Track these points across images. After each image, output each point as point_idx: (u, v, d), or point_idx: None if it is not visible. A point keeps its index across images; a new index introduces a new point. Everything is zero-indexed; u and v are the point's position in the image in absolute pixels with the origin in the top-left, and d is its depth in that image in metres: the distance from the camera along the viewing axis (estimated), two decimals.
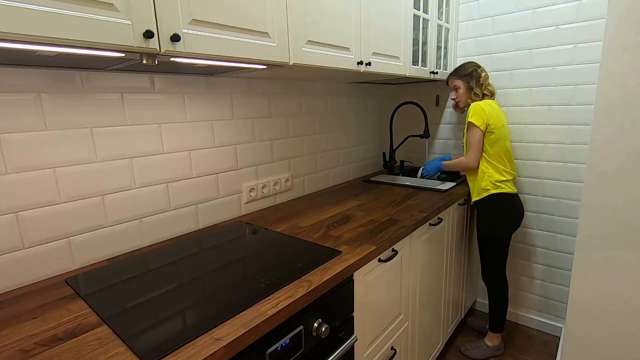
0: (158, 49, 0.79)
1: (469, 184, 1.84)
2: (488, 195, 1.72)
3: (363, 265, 1.08)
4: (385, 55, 1.56)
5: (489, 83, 1.85)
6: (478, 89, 1.82)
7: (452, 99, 1.93)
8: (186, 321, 0.75)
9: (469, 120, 1.70)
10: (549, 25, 1.83)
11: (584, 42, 1.75)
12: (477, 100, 1.79)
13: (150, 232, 1.20)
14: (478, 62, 1.88)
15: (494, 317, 1.90)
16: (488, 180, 1.72)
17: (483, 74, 1.83)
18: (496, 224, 1.77)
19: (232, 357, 0.70)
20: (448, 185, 1.87)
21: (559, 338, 1.98)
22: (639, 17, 1.32)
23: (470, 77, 1.83)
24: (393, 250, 1.25)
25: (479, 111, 1.69)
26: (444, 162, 1.91)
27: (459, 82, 1.85)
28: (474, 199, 1.80)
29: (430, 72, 1.93)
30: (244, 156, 1.48)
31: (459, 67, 1.89)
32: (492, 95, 1.84)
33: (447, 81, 1.95)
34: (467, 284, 2.16)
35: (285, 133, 1.66)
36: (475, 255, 2.21)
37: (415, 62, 1.80)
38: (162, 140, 1.20)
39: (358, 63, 1.39)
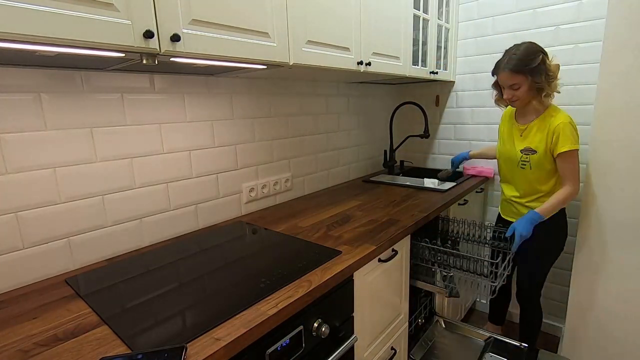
0: (158, 49, 0.79)
1: (525, 201, 1.56)
2: (561, 211, 1.54)
3: (363, 265, 1.08)
4: (385, 55, 1.56)
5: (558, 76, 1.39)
6: (549, 88, 1.37)
7: (507, 99, 1.44)
8: (186, 321, 0.75)
9: (568, 149, 1.36)
10: (549, 25, 1.83)
11: (584, 42, 1.75)
12: (547, 102, 1.42)
13: (150, 232, 1.20)
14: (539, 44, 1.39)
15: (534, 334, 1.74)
16: None
17: (552, 65, 1.37)
18: (565, 236, 1.61)
19: (232, 357, 0.70)
20: (448, 185, 1.86)
21: (559, 338, 1.98)
22: (639, 17, 1.32)
23: (538, 73, 1.33)
24: (393, 250, 1.25)
25: (572, 132, 1.37)
26: (531, 216, 1.42)
27: (520, 79, 1.35)
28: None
29: (430, 72, 1.93)
30: (244, 156, 1.48)
31: (517, 54, 1.35)
32: (558, 92, 1.43)
33: (495, 73, 1.43)
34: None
35: (285, 133, 1.66)
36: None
37: (415, 62, 1.80)
38: (162, 140, 1.20)
39: (358, 63, 1.39)
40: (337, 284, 0.97)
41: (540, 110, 1.47)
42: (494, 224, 1.69)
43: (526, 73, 1.34)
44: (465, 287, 1.42)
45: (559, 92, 1.43)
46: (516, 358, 1.44)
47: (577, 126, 1.43)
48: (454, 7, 2.07)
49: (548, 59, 1.37)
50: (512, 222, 1.59)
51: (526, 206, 1.57)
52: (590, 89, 1.76)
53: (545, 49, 1.83)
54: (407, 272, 1.39)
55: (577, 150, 1.39)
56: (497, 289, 1.30)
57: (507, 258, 1.41)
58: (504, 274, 1.34)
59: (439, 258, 1.44)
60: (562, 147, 1.38)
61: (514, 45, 1.41)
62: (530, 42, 1.40)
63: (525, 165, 1.51)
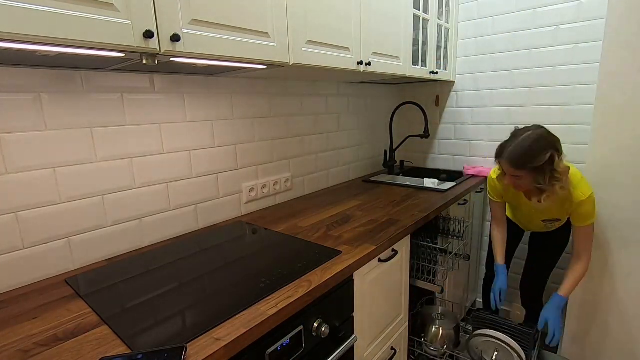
0: (158, 49, 0.79)
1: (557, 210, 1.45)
2: None
3: (363, 265, 1.08)
4: (385, 55, 1.56)
5: (567, 172, 1.26)
6: (551, 189, 1.25)
7: (508, 184, 1.36)
8: (186, 321, 0.75)
9: (590, 223, 1.36)
10: (549, 25, 1.83)
11: (584, 42, 1.75)
12: (542, 195, 1.30)
13: (150, 232, 1.20)
14: (552, 135, 1.27)
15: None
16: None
17: (562, 166, 1.23)
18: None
19: (232, 357, 0.70)
20: (448, 185, 1.86)
21: (559, 338, 1.97)
22: (639, 17, 1.32)
23: (542, 173, 1.23)
24: (393, 250, 1.25)
25: (594, 205, 1.34)
26: (559, 302, 1.42)
27: (522, 173, 1.26)
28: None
29: (430, 72, 1.93)
30: (244, 156, 1.48)
31: (525, 148, 1.22)
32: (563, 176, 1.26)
33: (497, 158, 1.33)
34: (468, 284, 2.16)
35: (285, 133, 1.66)
36: (476, 255, 2.22)
37: (415, 62, 1.80)
38: (162, 140, 1.20)
39: (358, 63, 1.39)
40: (337, 284, 0.97)
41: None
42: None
43: (528, 170, 1.23)
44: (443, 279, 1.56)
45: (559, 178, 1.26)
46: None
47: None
48: (454, 7, 2.07)
49: (558, 157, 1.23)
50: (518, 225, 1.69)
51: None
52: (590, 89, 1.76)
53: (545, 49, 1.87)
54: (407, 272, 1.39)
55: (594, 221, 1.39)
56: (445, 273, 1.51)
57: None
58: (451, 260, 1.55)
59: (434, 257, 1.50)
60: (585, 222, 1.37)
61: (525, 128, 1.28)
62: (541, 133, 1.24)
63: (551, 227, 1.55)
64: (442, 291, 1.48)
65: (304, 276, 0.93)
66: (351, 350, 1.08)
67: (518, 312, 1.47)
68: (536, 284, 1.71)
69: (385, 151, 2.31)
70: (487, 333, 1.44)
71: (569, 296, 1.44)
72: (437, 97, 2.31)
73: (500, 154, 1.30)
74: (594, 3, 1.69)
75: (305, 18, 1.14)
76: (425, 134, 2.06)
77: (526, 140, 1.23)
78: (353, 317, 1.08)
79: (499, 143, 1.33)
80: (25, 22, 0.61)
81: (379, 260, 1.17)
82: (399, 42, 1.63)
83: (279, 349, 0.81)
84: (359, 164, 2.20)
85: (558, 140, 1.26)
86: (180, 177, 1.27)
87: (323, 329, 0.91)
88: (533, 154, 1.21)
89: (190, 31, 0.84)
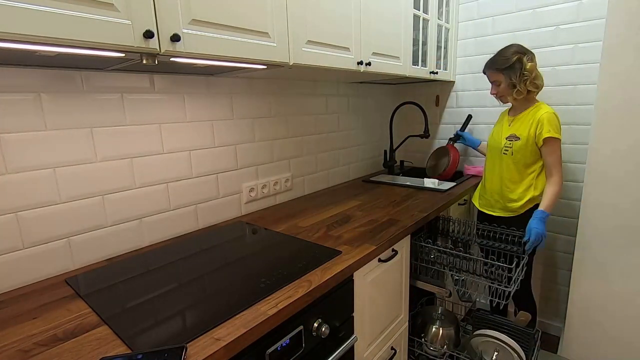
0: (158, 49, 0.79)
1: (498, 195, 1.64)
2: (535, 205, 1.56)
3: (363, 265, 1.08)
4: (385, 55, 1.56)
5: (537, 75, 1.50)
6: (522, 85, 1.49)
7: (492, 94, 1.62)
8: (186, 321, 0.75)
9: (549, 135, 1.45)
10: (549, 25, 1.83)
11: (584, 42, 1.75)
12: (519, 98, 1.53)
13: (150, 232, 1.20)
14: (523, 46, 1.54)
15: None
16: (536, 192, 1.56)
17: (529, 65, 1.47)
18: None
19: (232, 357, 0.70)
20: (448, 185, 1.86)
21: (559, 338, 1.98)
22: (639, 18, 1.32)
23: (513, 70, 1.49)
24: (393, 250, 1.25)
25: (556, 122, 1.48)
26: (540, 214, 1.47)
27: (499, 77, 1.54)
28: (515, 210, 1.60)
29: (430, 72, 1.93)
30: (244, 156, 1.48)
31: (498, 55, 1.55)
32: (537, 89, 1.52)
33: (484, 71, 1.63)
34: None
35: (285, 133, 1.66)
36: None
37: (415, 62, 1.80)
38: (162, 140, 1.20)
39: (358, 63, 1.39)
40: (337, 284, 0.97)
41: (528, 106, 1.57)
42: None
43: (502, 71, 1.52)
44: (478, 292, 1.44)
45: (537, 89, 1.53)
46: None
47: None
48: (454, 7, 2.07)
49: (526, 60, 1.48)
50: (489, 214, 1.70)
51: (500, 201, 1.66)
52: (590, 89, 1.76)
53: (545, 49, 1.86)
54: (407, 272, 1.39)
55: (560, 140, 1.49)
56: (511, 293, 1.33)
57: (522, 263, 1.42)
58: (518, 279, 1.35)
59: (449, 261, 1.43)
60: (547, 133, 1.46)
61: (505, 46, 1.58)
62: (514, 44, 1.56)
63: (507, 151, 1.59)
64: (449, 295, 1.43)
65: (304, 276, 0.93)
66: (351, 350, 1.08)
67: (523, 318, 1.47)
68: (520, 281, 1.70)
69: (385, 151, 2.31)
70: (487, 333, 1.43)
71: (549, 210, 1.50)
72: (437, 97, 2.31)
73: (484, 67, 1.60)
74: (594, 3, 1.69)
75: (305, 18, 1.14)
76: (425, 134, 2.06)
77: (500, 50, 1.56)
78: (353, 317, 1.08)
79: None
80: (25, 22, 0.61)
81: (379, 260, 1.17)
82: (399, 42, 1.63)
83: (279, 349, 0.81)
84: (358, 164, 2.20)
85: (528, 50, 1.52)
86: (180, 177, 1.27)
87: (323, 329, 0.91)
88: (505, 57, 1.51)
89: (190, 31, 0.84)
